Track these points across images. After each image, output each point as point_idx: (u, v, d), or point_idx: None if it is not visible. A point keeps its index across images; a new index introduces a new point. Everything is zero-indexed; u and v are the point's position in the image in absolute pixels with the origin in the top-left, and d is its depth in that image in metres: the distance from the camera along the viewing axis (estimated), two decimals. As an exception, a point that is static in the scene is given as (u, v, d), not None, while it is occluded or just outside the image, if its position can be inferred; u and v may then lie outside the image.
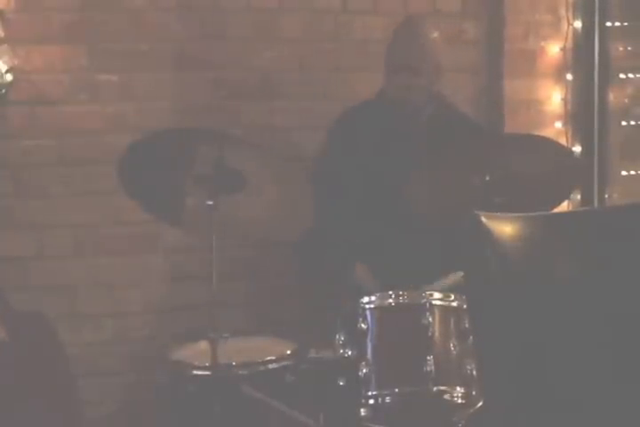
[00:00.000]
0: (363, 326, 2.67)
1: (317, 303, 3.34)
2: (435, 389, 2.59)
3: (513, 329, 2.51)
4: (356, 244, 3.27)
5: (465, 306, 2.72)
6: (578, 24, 4.09)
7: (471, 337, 2.68)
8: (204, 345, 2.82)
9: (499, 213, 2.63)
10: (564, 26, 4.09)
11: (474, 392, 2.62)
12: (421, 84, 3.28)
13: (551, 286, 2.34)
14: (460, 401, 2.61)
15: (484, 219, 2.46)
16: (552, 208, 3.16)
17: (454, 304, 2.71)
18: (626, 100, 4.19)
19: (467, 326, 2.69)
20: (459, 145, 3.17)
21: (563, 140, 4.02)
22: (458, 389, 2.61)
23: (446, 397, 2.60)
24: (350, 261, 3.24)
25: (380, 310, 2.70)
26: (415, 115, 3.35)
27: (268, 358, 2.87)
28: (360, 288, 3.09)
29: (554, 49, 4.10)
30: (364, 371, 2.62)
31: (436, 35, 3.33)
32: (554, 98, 4.12)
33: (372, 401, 2.61)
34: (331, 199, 3.26)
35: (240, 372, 2.81)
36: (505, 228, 2.45)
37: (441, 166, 3.07)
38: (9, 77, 3.32)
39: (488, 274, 2.69)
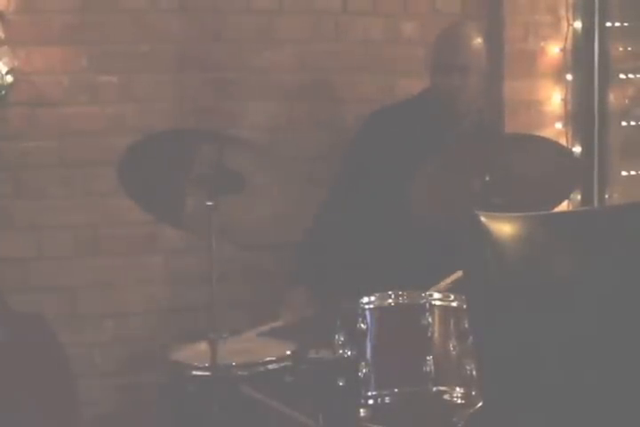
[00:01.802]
0: (362, 326, 2.67)
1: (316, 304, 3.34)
2: (434, 389, 2.59)
3: (512, 329, 2.50)
4: (358, 246, 3.27)
5: (464, 306, 2.71)
6: (578, 24, 4.09)
7: (471, 337, 2.68)
8: (203, 346, 2.82)
9: (498, 213, 2.63)
10: (564, 26, 4.09)
11: (473, 393, 2.62)
12: (472, 84, 3.30)
13: (551, 286, 2.34)
14: (459, 401, 2.61)
15: (483, 219, 2.46)
16: (552, 209, 3.15)
17: (454, 305, 2.71)
18: (626, 101, 4.18)
19: (466, 326, 2.69)
20: (458, 145, 3.17)
21: (563, 141, 4.02)
22: (457, 389, 2.61)
23: (446, 397, 2.60)
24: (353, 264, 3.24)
25: (380, 311, 2.70)
26: (457, 121, 3.35)
27: (268, 358, 2.87)
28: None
29: (554, 49, 4.10)
30: (364, 371, 2.62)
31: (481, 40, 3.36)
32: (554, 98, 4.11)
33: (371, 401, 2.61)
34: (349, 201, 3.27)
35: (240, 372, 2.81)
36: (504, 228, 2.44)
37: (442, 167, 3.07)
38: (9, 79, 3.33)
39: (487, 274, 2.69)
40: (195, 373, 2.84)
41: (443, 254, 3.16)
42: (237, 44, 3.71)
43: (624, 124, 4.16)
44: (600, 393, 2.25)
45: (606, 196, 4.12)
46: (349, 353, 2.68)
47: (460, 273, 2.98)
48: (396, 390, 2.60)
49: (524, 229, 2.41)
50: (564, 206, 3.60)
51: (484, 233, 2.41)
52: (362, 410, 2.63)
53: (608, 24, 4.08)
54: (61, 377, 2.92)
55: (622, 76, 4.14)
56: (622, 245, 2.27)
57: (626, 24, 4.12)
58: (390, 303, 2.70)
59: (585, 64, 4.09)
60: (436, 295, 2.71)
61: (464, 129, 3.36)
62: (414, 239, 3.21)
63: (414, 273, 3.07)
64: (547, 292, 2.34)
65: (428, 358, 2.60)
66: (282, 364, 2.86)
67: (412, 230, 3.17)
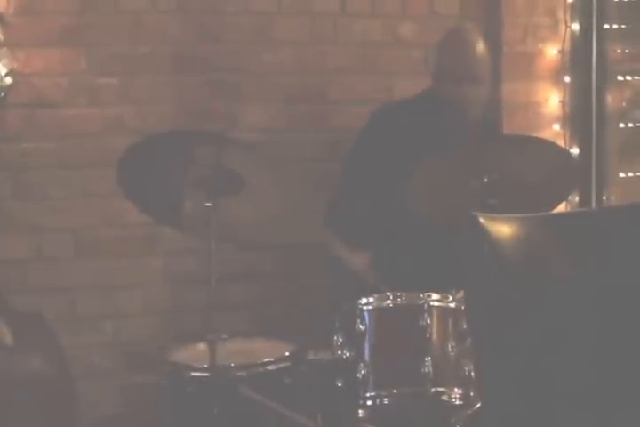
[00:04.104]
0: (361, 327, 2.68)
1: (316, 304, 3.35)
2: (433, 390, 2.60)
3: (511, 330, 2.51)
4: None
5: (463, 307, 2.72)
6: (575, 26, 4.10)
7: (469, 338, 2.69)
8: (202, 347, 2.83)
9: (497, 214, 2.63)
10: (562, 28, 4.10)
11: (472, 393, 2.63)
12: (484, 92, 3.27)
13: (550, 287, 2.34)
14: (457, 402, 2.62)
15: (482, 220, 2.47)
16: (550, 210, 3.16)
17: (452, 305, 2.72)
18: (624, 103, 4.19)
19: (464, 327, 2.70)
20: (457, 147, 3.17)
21: (561, 143, 4.02)
22: (456, 390, 2.62)
23: (444, 398, 2.61)
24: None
25: (378, 312, 2.71)
26: (462, 125, 3.34)
27: (267, 359, 2.87)
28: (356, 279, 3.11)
29: (552, 51, 4.11)
30: (362, 372, 2.63)
31: (482, 42, 3.31)
32: (552, 100, 4.12)
33: (369, 402, 2.62)
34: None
35: (238, 373, 2.81)
36: (503, 228, 2.45)
37: (440, 168, 3.08)
38: (8, 80, 3.33)
39: (486, 275, 2.70)
40: (193, 374, 2.85)
41: (442, 256, 3.17)
42: (236, 46, 3.72)
43: (622, 125, 4.16)
44: (599, 392, 2.25)
45: (604, 197, 4.12)
46: (348, 354, 2.69)
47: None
48: (394, 390, 2.61)
49: (522, 230, 2.42)
50: (561, 208, 3.60)
51: (483, 234, 2.42)
52: (360, 411, 2.64)
53: (606, 26, 4.09)
54: (61, 377, 2.92)
55: (620, 77, 4.15)
56: (620, 245, 2.27)
57: (623, 26, 4.12)
58: (389, 304, 2.71)
59: (583, 66, 4.10)
60: (435, 296, 2.72)
61: (467, 130, 3.34)
62: (416, 240, 3.22)
63: (414, 272, 3.08)
64: (545, 292, 2.35)
65: (426, 358, 2.61)
66: (281, 365, 2.87)
67: (414, 231, 3.18)
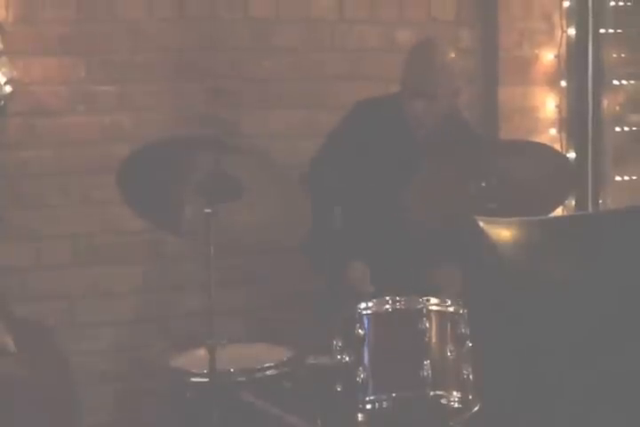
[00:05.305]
0: (360, 331, 2.69)
1: (315, 310, 3.36)
2: (432, 393, 2.61)
3: (512, 332, 2.52)
4: (354, 245, 3.26)
5: (461, 311, 2.74)
6: (572, 31, 4.12)
7: (468, 342, 2.70)
8: (202, 352, 2.83)
9: (496, 218, 2.65)
10: (558, 33, 4.12)
11: (470, 397, 2.64)
12: (438, 109, 3.24)
13: (549, 289, 2.36)
14: (456, 406, 2.63)
15: (481, 223, 2.48)
16: (547, 214, 3.17)
17: (451, 309, 2.74)
18: (619, 107, 4.21)
19: (463, 330, 2.71)
20: (456, 151, 3.19)
21: (557, 147, 4.03)
22: (454, 393, 2.63)
23: (443, 401, 2.62)
24: (345, 260, 3.20)
25: (377, 316, 2.72)
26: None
27: (266, 364, 2.88)
28: (353, 289, 3.09)
29: (548, 56, 4.12)
30: (362, 376, 2.64)
31: (453, 56, 3.28)
32: (548, 105, 4.14)
33: (369, 406, 2.63)
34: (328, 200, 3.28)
35: (238, 378, 2.82)
36: (503, 232, 2.46)
37: (439, 173, 3.09)
38: (8, 89, 3.35)
39: (486, 278, 2.72)
40: (193, 379, 2.86)
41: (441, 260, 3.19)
42: (235, 53, 3.73)
43: (618, 129, 4.18)
44: (599, 395, 2.26)
45: (600, 201, 4.14)
46: (347, 358, 2.69)
47: None
48: (393, 394, 2.62)
49: (522, 234, 2.43)
50: (558, 212, 3.62)
51: (484, 237, 2.43)
52: (360, 415, 2.65)
53: (602, 31, 4.11)
54: (61, 383, 2.93)
55: (616, 82, 4.16)
56: (617, 248, 2.29)
57: (619, 31, 4.14)
58: (388, 309, 2.72)
59: (579, 70, 4.11)
60: (433, 301, 2.73)
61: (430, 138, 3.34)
62: (394, 232, 3.23)
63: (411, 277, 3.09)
64: (545, 294, 2.36)
65: (425, 362, 2.62)
66: (280, 369, 2.88)
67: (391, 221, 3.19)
